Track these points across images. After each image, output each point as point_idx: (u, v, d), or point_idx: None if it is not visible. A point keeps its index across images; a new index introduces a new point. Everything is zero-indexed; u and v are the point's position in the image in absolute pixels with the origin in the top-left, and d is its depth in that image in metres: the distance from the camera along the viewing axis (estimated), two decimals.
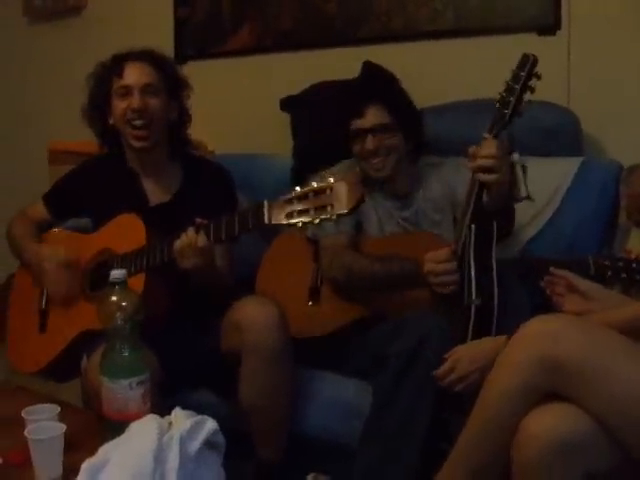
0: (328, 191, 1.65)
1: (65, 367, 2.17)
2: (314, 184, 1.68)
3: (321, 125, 2.81)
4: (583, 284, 1.80)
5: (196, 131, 2.95)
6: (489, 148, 1.93)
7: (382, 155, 2.30)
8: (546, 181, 2.41)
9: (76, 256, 2.21)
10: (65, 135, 3.54)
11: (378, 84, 2.38)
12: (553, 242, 2.36)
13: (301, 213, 1.68)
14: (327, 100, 2.79)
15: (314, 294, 2.34)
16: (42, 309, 2.27)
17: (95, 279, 2.14)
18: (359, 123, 2.32)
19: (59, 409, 1.59)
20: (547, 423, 1.42)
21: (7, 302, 2.42)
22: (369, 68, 2.79)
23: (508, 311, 1.96)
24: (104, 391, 1.56)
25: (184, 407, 1.48)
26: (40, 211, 2.41)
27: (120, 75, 2.22)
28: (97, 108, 2.29)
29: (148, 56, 2.27)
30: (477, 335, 1.92)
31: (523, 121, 2.51)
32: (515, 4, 2.73)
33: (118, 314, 1.55)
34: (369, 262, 2.21)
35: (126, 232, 2.12)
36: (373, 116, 2.31)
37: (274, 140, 3.07)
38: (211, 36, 3.42)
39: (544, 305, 1.86)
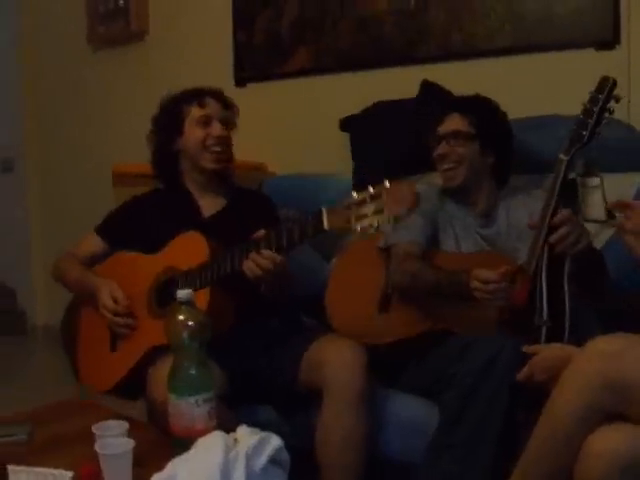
0: (384, 195, 1.67)
1: (137, 384, 2.22)
2: (370, 189, 1.70)
3: (381, 144, 2.84)
4: None
5: (257, 153, 3.02)
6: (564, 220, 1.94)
7: (452, 162, 2.31)
8: (609, 197, 2.38)
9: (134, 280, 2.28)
10: (128, 158, 3.64)
11: (469, 96, 2.42)
12: (616, 258, 2.33)
13: (359, 218, 1.70)
14: (386, 119, 2.82)
15: (384, 302, 2.33)
16: (113, 329, 2.31)
17: (162, 296, 2.18)
18: (439, 129, 2.36)
19: (128, 425, 1.63)
20: (611, 443, 1.41)
21: (79, 322, 2.47)
22: (428, 87, 2.82)
23: (579, 333, 1.94)
24: (171, 408, 1.59)
25: (246, 422, 1.50)
26: (93, 244, 2.48)
27: (202, 105, 2.39)
28: (167, 133, 2.42)
29: (222, 95, 2.46)
30: None
31: None
32: (573, 19, 2.71)
33: (185, 333, 1.58)
34: (434, 272, 2.21)
35: (189, 249, 2.18)
36: (450, 122, 2.34)
37: (334, 160, 3.10)
38: (270, 58, 3.48)
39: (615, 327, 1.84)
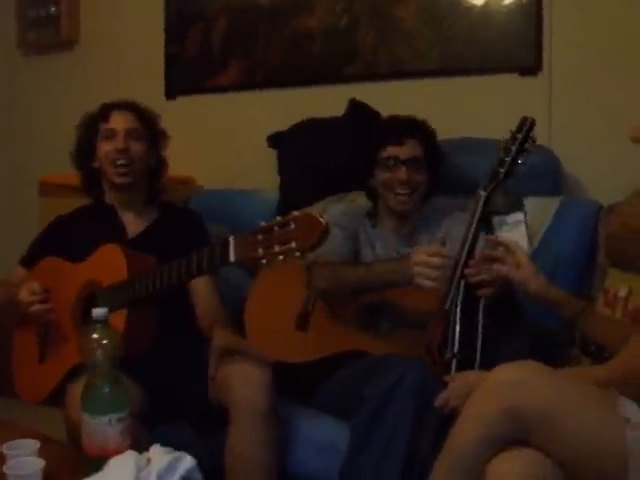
0: (292, 224, 1.63)
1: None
2: (278, 218, 1.67)
3: (307, 161, 2.87)
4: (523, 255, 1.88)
5: (185, 166, 3.01)
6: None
7: (409, 188, 2.34)
8: (530, 219, 2.44)
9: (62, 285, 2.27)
10: (55, 168, 3.58)
11: (418, 120, 2.44)
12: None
13: (266, 248, 1.67)
14: (313, 136, 2.85)
15: (302, 321, 2.35)
16: (41, 340, 2.31)
17: (86, 311, 2.16)
18: (396, 151, 2.35)
19: (39, 444, 1.61)
20: (513, 468, 1.46)
21: (12, 336, 2.45)
22: (355, 106, 2.86)
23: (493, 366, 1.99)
24: (84, 426, 1.58)
25: (163, 439, 1.49)
26: (19, 277, 2.44)
27: (106, 120, 2.42)
28: (84, 152, 2.46)
29: (133, 106, 2.47)
30: None
31: None
32: (498, 46, 2.79)
33: (99, 351, 1.57)
34: (353, 267, 2.25)
35: (109, 263, 2.18)
36: (411, 148, 2.35)
37: (262, 176, 3.12)
38: (201, 72, 3.48)
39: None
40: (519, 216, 2.15)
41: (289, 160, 2.98)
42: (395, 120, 2.47)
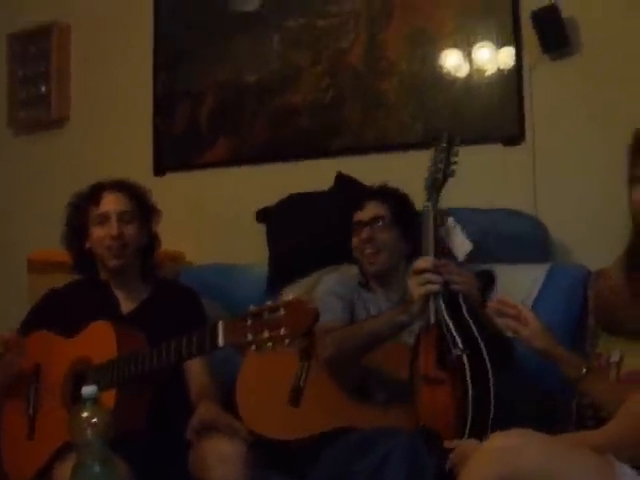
0: (282, 310, 1.64)
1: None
2: (268, 303, 1.68)
3: (295, 235, 2.89)
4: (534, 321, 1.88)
5: (174, 242, 3.02)
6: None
7: (374, 248, 2.39)
8: (515, 288, 2.45)
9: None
10: (44, 244, 3.58)
11: (383, 186, 2.54)
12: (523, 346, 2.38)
13: (256, 334, 1.66)
14: (300, 211, 2.88)
15: (295, 395, 2.31)
16: (30, 415, 2.26)
17: (75, 390, 2.14)
18: (359, 215, 2.45)
19: None
20: None
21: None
22: (342, 179, 2.90)
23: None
24: None
25: None
26: None
27: (97, 204, 2.40)
28: (75, 234, 2.45)
29: (123, 186, 2.45)
30: (476, 384, 1.92)
31: (491, 229, 2.62)
32: (481, 116, 2.85)
33: (89, 430, 1.56)
34: (359, 323, 2.28)
35: (99, 340, 2.16)
36: (371, 209, 2.44)
37: (251, 250, 3.13)
38: (189, 148, 3.52)
39: None
40: (450, 221, 2.24)
41: (278, 234, 3.00)
42: (363, 189, 2.61)
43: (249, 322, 1.67)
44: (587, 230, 2.65)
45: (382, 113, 3.04)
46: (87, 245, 2.43)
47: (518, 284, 2.49)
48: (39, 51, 3.99)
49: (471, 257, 2.34)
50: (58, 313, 2.38)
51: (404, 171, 2.89)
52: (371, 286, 2.49)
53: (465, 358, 1.96)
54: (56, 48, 3.94)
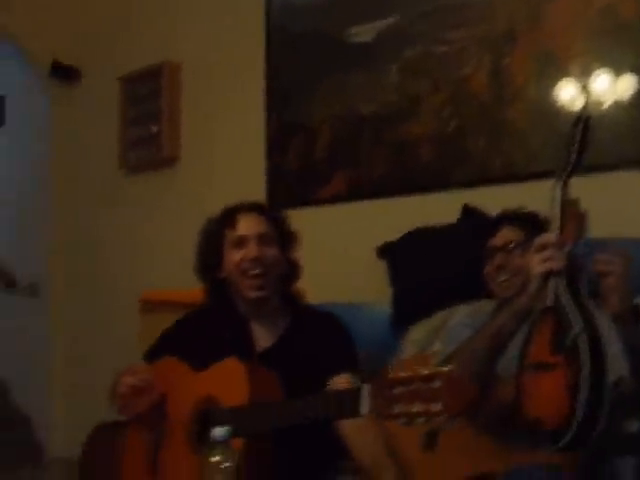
0: (437, 381, 1.42)
1: None
2: (424, 370, 1.45)
3: (420, 272, 2.73)
4: None
5: None
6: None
7: (508, 273, 2.25)
8: None
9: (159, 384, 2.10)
10: (157, 285, 3.55)
11: (516, 210, 2.39)
12: None
13: (406, 404, 1.44)
14: (426, 245, 2.73)
15: (429, 438, 2.11)
16: (154, 449, 2.12)
17: (201, 430, 1.99)
18: (492, 241, 2.32)
19: None
20: None
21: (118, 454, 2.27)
22: (469, 211, 2.74)
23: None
24: None
25: None
26: None
27: (234, 226, 2.21)
28: (209, 263, 2.26)
29: (260, 208, 2.28)
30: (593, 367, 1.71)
31: None
32: (616, 140, 2.64)
33: (218, 476, 1.43)
34: (480, 330, 2.07)
35: (230, 381, 1.99)
36: (505, 234, 2.31)
37: (371, 289, 2.99)
38: (304, 184, 3.42)
39: None
40: None
41: (402, 271, 2.85)
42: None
43: (398, 390, 1.46)
44: None
45: (508, 142, 2.87)
46: (222, 275, 2.22)
47: None
48: (150, 92, 4.02)
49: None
50: (189, 342, 2.21)
51: (534, 201, 2.72)
52: None
53: (585, 339, 1.74)
54: (167, 88, 3.95)
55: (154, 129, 3.98)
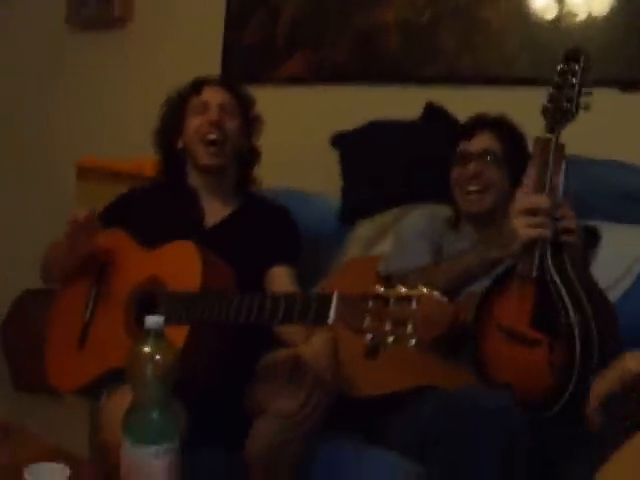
0: (414, 303, 1.35)
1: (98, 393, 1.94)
2: (402, 289, 1.38)
3: (375, 166, 2.61)
4: None
5: None
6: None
7: (480, 185, 2.11)
8: (624, 249, 2.18)
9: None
10: (96, 152, 3.36)
11: (495, 115, 2.22)
12: (631, 315, 2.11)
13: (376, 320, 1.38)
14: (383, 140, 2.61)
15: (374, 349, 2.03)
16: (85, 321, 2.04)
17: (140, 311, 1.88)
18: (467, 145, 2.15)
19: (68, 471, 1.36)
20: None
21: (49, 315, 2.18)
22: (432, 110, 2.61)
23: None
24: (124, 455, 1.33)
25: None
26: None
27: (199, 93, 2.23)
28: (168, 130, 2.27)
29: (228, 83, 2.32)
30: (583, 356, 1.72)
31: (598, 184, 2.33)
32: (598, 55, 2.50)
33: (149, 367, 1.32)
34: (446, 262, 2.02)
35: (180, 264, 1.90)
36: (483, 140, 2.14)
37: (323, 177, 2.84)
38: (262, 61, 3.22)
39: None
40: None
41: (354, 163, 2.71)
42: (457, 122, 2.36)
43: (370, 304, 1.40)
44: None
45: (483, 41, 2.69)
46: (180, 144, 2.24)
47: (627, 246, 2.20)
48: None
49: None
50: (137, 215, 2.16)
51: (504, 108, 2.59)
52: (460, 228, 2.21)
53: (576, 325, 1.72)
54: None
55: None
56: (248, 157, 2.31)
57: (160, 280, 1.90)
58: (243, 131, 2.25)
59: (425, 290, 1.37)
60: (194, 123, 2.19)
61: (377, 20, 2.91)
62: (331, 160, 2.79)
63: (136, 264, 2.00)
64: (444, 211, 2.23)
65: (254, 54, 3.25)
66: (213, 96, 2.21)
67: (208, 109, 2.18)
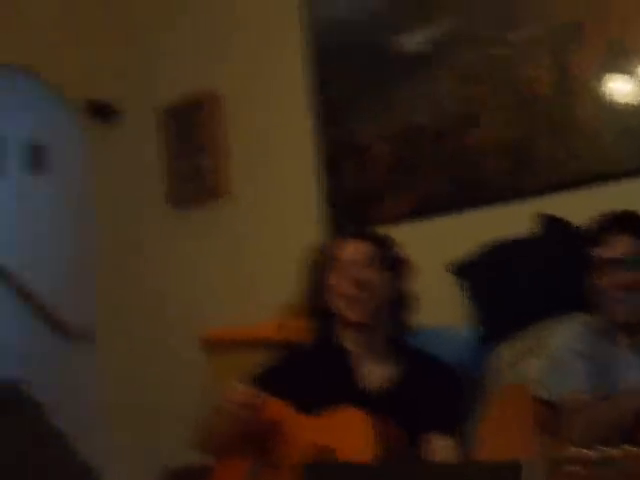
0: (622, 463, 1.21)
1: None
2: (603, 448, 1.23)
3: (504, 287, 2.57)
4: None
5: None
6: None
7: (637, 292, 1.98)
8: None
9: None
10: (212, 323, 3.38)
11: (627, 213, 2.11)
12: None
13: None
14: (507, 260, 2.58)
15: None
16: None
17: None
18: (605, 252, 2.01)
19: None
20: None
21: None
22: (549, 221, 2.56)
23: None
24: None
25: None
26: None
27: (340, 253, 2.19)
28: (312, 291, 2.24)
29: (364, 234, 2.27)
30: None
31: None
32: None
33: None
34: (610, 401, 1.89)
35: (351, 433, 1.88)
36: (623, 244, 2.00)
37: (445, 310, 2.79)
38: (364, 204, 3.22)
39: None
40: None
41: (484, 288, 2.65)
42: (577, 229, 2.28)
43: (576, 469, 1.24)
44: None
45: (579, 142, 2.68)
46: (326, 303, 2.19)
47: None
48: (193, 124, 3.85)
49: None
50: (295, 381, 2.11)
51: (614, 205, 2.55)
52: (617, 339, 2.06)
53: None
54: (210, 119, 3.79)
55: (203, 162, 3.81)
56: (399, 304, 2.23)
57: (329, 450, 1.87)
58: (388, 278, 2.19)
59: (628, 447, 1.22)
60: (332, 281, 2.15)
61: (470, 143, 2.93)
62: (449, 292, 2.76)
63: (302, 433, 1.97)
64: (588, 321, 2.13)
65: (354, 199, 3.25)
66: (348, 252, 2.17)
67: (348, 268, 2.14)
